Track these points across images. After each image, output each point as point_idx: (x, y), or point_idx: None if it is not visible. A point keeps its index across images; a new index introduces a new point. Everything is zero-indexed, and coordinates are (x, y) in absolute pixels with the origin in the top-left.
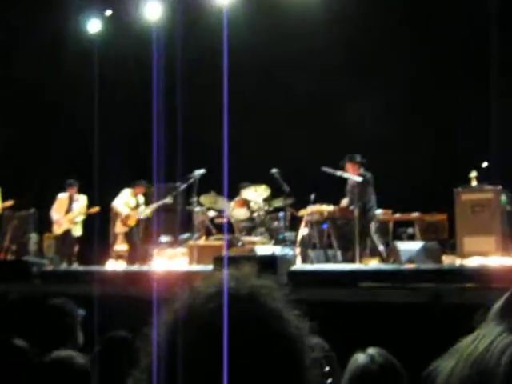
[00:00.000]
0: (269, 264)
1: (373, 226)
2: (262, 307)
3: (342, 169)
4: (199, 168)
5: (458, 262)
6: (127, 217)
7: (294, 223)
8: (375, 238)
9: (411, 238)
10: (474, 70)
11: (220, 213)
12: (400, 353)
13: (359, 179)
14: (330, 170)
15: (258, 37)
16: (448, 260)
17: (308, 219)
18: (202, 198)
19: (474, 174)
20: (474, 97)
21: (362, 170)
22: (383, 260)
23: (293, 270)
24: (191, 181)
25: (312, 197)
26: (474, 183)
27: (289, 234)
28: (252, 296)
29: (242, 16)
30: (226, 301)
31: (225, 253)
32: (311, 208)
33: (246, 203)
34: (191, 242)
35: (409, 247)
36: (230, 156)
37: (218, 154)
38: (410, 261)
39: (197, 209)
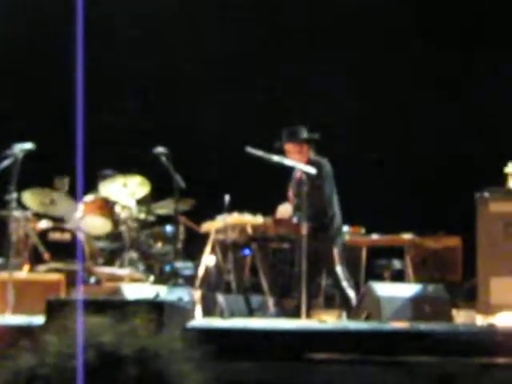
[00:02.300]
0: (149, 315)
1: (336, 252)
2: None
3: (281, 153)
4: (24, 141)
5: (479, 320)
6: None
7: (193, 245)
8: (340, 273)
9: (398, 276)
10: None
11: (59, 222)
12: None
13: (311, 170)
14: (259, 153)
15: None
16: (463, 317)
17: (218, 239)
18: (27, 195)
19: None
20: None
21: (313, 155)
22: (350, 314)
23: (190, 329)
24: (7, 162)
25: (226, 199)
26: None
27: (182, 265)
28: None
29: None
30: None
31: (78, 293)
32: (224, 219)
33: (105, 207)
34: (3, 274)
35: (395, 293)
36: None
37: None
38: (397, 317)
39: (16, 213)
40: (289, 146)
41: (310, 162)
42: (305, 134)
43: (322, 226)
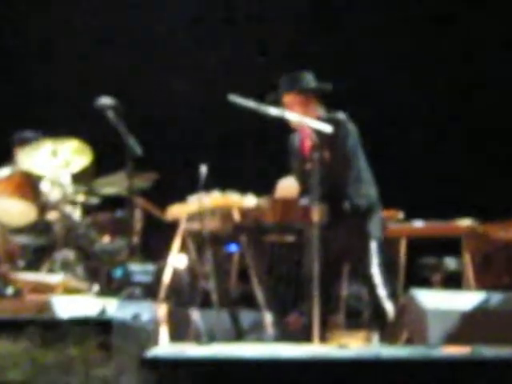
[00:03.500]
0: (91, 339)
1: (374, 246)
2: None
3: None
4: None
5: None
6: None
7: (156, 239)
8: (376, 277)
9: (453, 281)
10: None
11: None
12: None
13: (326, 128)
14: (248, 104)
15: None
16: None
17: (191, 230)
18: None
19: None
20: None
21: (324, 112)
22: (384, 336)
23: (150, 359)
24: None
25: (202, 171)
26: None
27: (140, 268)
28: None
29: None
30: None
31: None
32: (199, 201)
33: (26, 185)
34: None
35: (447, 305)
36: None
37: None
38: (451, 339)
39: None
40: (289, 97)
41: (323, 119)
42: (312, 83)
43: (348, 209)
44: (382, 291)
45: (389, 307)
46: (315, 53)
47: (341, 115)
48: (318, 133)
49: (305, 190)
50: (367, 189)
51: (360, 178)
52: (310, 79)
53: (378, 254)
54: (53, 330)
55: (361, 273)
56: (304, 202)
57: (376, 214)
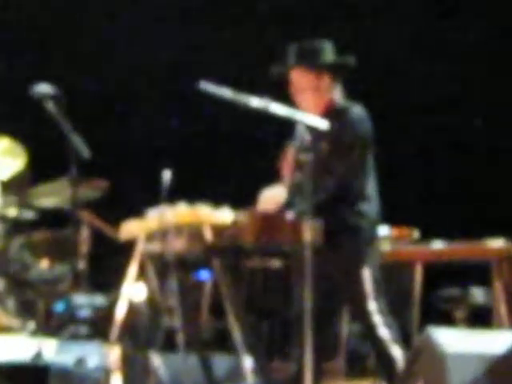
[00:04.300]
0: None
1: (368, 276)
2: None
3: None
4: None
5: None
6: None
7: (107, 264)
8: (375, 314)
9: (480, 317)
10: None
11: None
12: None
13: (323, 124)
14: (225, 93)
15: None
16: None
17: (151, 253)
18: None
19: None
20: None
21: (340, 98)
22: None
23: None
24: None
25: (166, 177)
26: None
27: (86, 300)
28: None
29: None
30: None
31: None
32: (161, 215)
33: None
34: None
35: (473, 348)
36: None
37: None
38: None
39: None
40: (297, 74)
41: (331, 109)
42: (330, 55)
43: (341, 228)
44: (384, 332)
45: (395, 353)
46: None
47: (356, 108)
48: (313, 130)
49: (293, 190)
50: (369, 205)
51: (363, 191)
52: (327, 51)
53: (374, 285)
54: None
55: (354, 310)
56: (291, 215)
57: (370, 234)
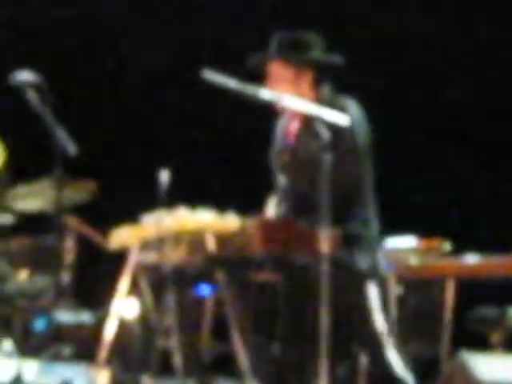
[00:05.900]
0: None
1: (372, 293)
2: None
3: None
4: None
5: None
6: None
7: (95, 277)
8: (379, 336)
9: None
10: None
11: None
12: None
13: (343, 120)
14: (231, 84)
15: None
16: None
17: (145, 264)
18: None
19: None
20: None
21: (328, 93)
22: None
23: None
24: None
25: (163, 178)
26: None
27: (71, 318)
28: None
29: None
30: None
31: None
32: (157, 222)
33: None
34: None
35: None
36: None
37: None
38: None
39: None
40: (275, 67)
41: (322, 100)
42: (316, 51)
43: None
44: (393, 356)
45: (408, 381)
46: None
47: (351, 104)
48: (331, 127)
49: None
50: (369, 214)
51: (363, 198)
52: (314, 45)
53: (378, 304)
54: None
55: (358, 330)
56: (305, 223)
57: (376, 247)
